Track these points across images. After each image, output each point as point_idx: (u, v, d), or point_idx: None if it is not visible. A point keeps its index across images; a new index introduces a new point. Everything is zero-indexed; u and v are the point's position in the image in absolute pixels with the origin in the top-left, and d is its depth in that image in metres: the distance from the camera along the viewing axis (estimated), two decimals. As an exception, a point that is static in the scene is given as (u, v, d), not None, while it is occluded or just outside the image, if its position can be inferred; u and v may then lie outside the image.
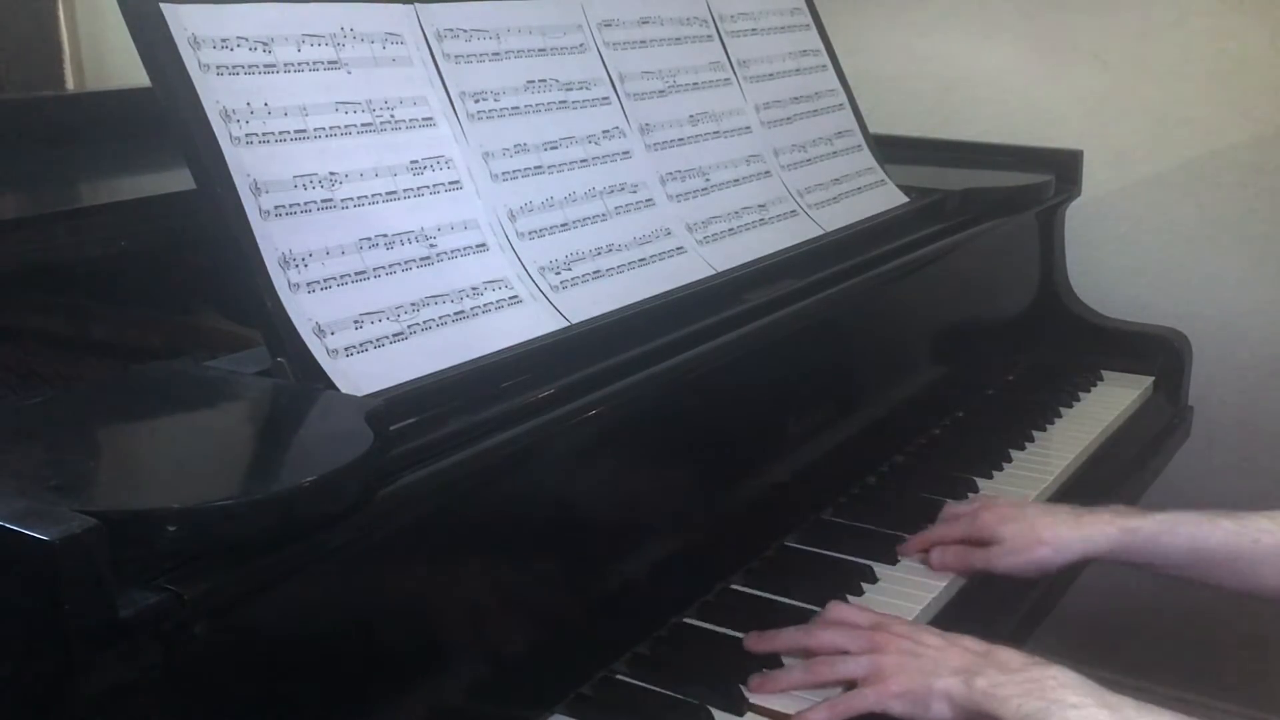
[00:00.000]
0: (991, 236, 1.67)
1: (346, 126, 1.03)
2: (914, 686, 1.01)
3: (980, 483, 1.46)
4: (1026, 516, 1.25)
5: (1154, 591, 1.88)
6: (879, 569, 1.26)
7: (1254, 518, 1.19)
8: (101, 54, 2.64)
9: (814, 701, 1.04)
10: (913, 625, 1.12)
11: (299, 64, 1.02)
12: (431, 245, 1.05)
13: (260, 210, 0.94)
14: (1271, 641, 1.98)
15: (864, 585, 1.23)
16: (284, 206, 0.96)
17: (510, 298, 1.09)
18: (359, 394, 0.92)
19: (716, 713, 1.03)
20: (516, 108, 1.20)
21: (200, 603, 0.72)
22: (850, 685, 1.05)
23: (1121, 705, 0.92)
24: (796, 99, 1.59)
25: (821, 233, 1.48)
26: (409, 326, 1.00)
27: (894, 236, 1.52)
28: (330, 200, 0.99)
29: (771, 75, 1.57)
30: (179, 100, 0.93)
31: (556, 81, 1.25)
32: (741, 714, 1.03)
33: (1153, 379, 1.84)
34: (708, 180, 1.38)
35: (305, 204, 0.97)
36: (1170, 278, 2.02)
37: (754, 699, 1.05)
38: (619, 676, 1.07)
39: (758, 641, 1.11)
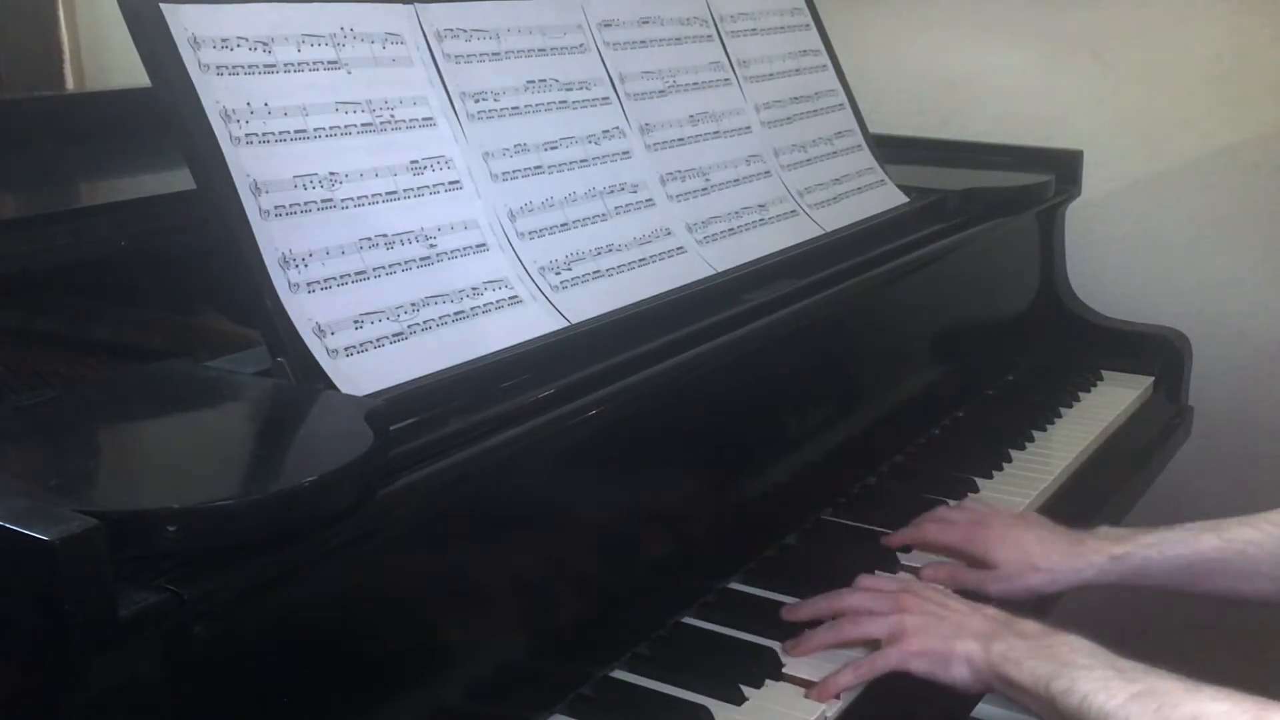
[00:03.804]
0: (991, 236, 1.67)
1: (346, 126, 1.03)
2: (935, 647, 1.05)
3: (980, 483, 1.46)
4: (1022, 543, 1.25)
5: (1151, 599, 1.88)
6: (879, 569, 1.26)
7: (1237, 527, 1.20)
8: (101, 54, 2.64)
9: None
10: (938, 589, 1.15)
11: (299, 64, 1.02)
12: (431, 245, 1.05)
13: (260, 210, 0.94)
14: (1269, 643, 1.97)
15: (864, 585, 1.23)
16: (284, 206, 0.96)
17: (510, 298, 1.09)
18: (359, 394, 0.92)
19: (715, 706, 1.03)
20: (516, 108, 1.20)
21: (200, 603, 0.72)
22: (875, 647, 1.08)
23: (1130, 668, 0.94)
24: (796, 99, 1.59)
25: (821, 233, 1.48)
26: (409, 326, 1.00)
27: (894, 236, 1.52)
28: (330, 200, 0.99)
29: (771, 75, 1.57)
30: (179, 100, 0.93)
31: (556, 81, 1.25)
32: (741, 703, 1.04)
33: (1153, 379, 1.84)
34: (708, 180, 1.38)
35: (305, 204, 0.97)
36: (1170, 278, 2.02)
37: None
38: (619, 676, 1.08)
39: (791, 612, 1.15)
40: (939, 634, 1.06)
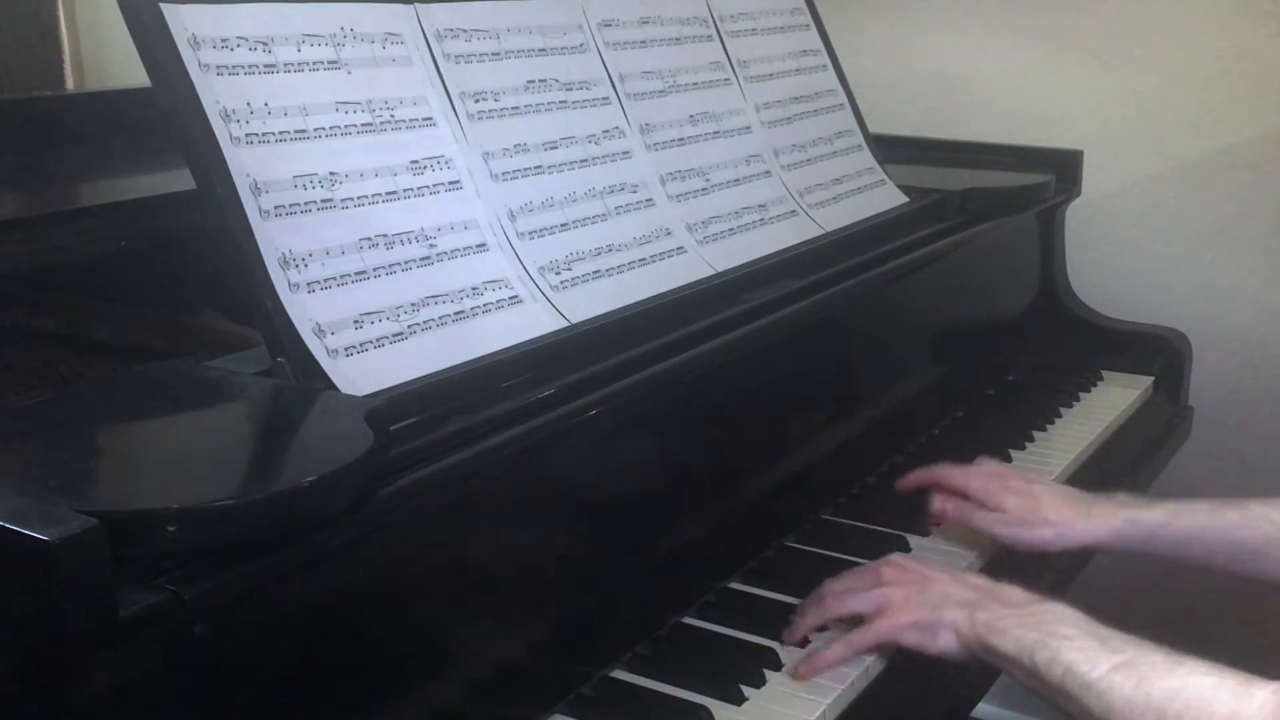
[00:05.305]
0: (991, 236, 1.67)
1: (346, 126, 1.03)
2: (922, 617, 1.05)
3: (980, 483, 1.46)
4: (1034, 494, 1.26)
5: (1150, 584, 1.88)
6: (879, 568, 1.26)
7: (1257, 506, 1.21)
8: (101, 54, 2.64)
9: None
10: (919, 560, 1.15)
11: (299, 64, 1.02)
12: (431, 245, 1.05)
13: (260, 210, 0.94)
14: (1268, 625, 1.97)
15: (864, 585, 1.23)
16: (284, 206, 0.96)
17: (510, 298, 1.09)
18: (359, 394, 0.92)
19: (715, 706, 1.03)
20: (516, 108, 1.20)
21: (200, 603, 0.72)
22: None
23: (1111, 637, 0.95)
24: (796, 99, 1.59)
25: (821, 233, 1.48)
26: (409, 326, 1.00)
27: (894, 236, 1.52)
28: (330, 200, 0.99)
29: (771, 75, 1.57)
30: (179, 100, 0.93)
31: (556, 81, 1.25)
32: (741, 703, 1.04)
33: (1153, 379, 1.84)
34: (708, 180, 1.38)
35: (305, 204, 0.97)
36: (1170, 278, 2.02)
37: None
38: (619, 676, 1.08)
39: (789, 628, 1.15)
40: (924, 605, 1.06)
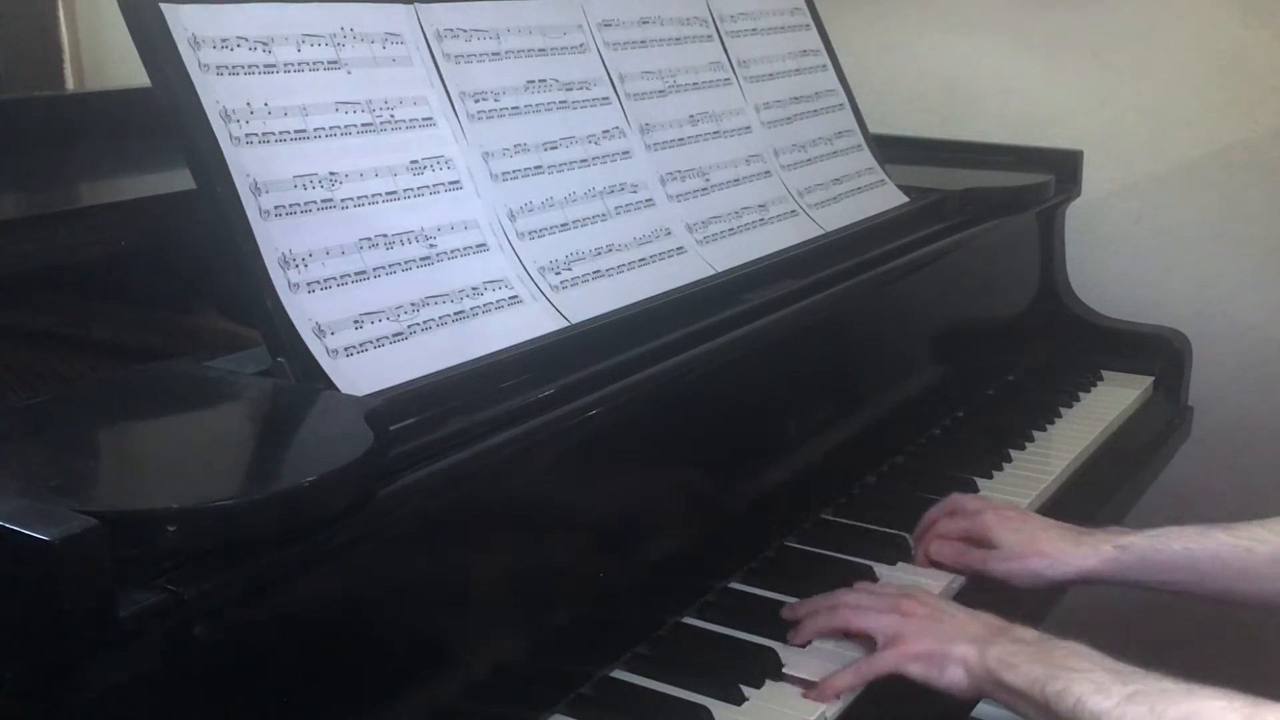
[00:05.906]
0: (991, 236, 1.67)
1: (346, 126, 1.03)
2: (931, 649, 1.05)
3: (980, 483, 1.46)
4: (1028, 526, 1.27)
5: (1144, 608, 1.88)
6: (879, 569, 1.26)
7: (1247, 527, 1.20)
8: (101, 54, 2.64)
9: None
10: (936, 596, 1.16)
11: (299, 64, 1.02)
12: (431, 245, 1.05)
13: (260, 210, 0.94)
14: (1267, 646, 1.97)
15: (864, 585, 1.23)
16: (284, 206, 0.96)
17: (510, 298, 1.09)
18: (359, 394, 0.92)
19: (715, 706, 1.03)
20: (516, 108, 1.20)
21: (200, 603, 0.72)
22: (871, 649, 1.09)
23: (1126, 671, 0.95)
24: (796, 99, 1.59)
25: (821, 233, 1.48)
26: (409, 326, 1.00)
27: (894, 236, 1.52)
28: (330, 200, 0.99)
29: (771, 75, 1.57)
30: (179, 100, 0.93)
31: (556, 81, 1.25)
32: (741, 703, 1.04)
33: (1153, 379, 1.84)
34: (708, 180, 1.38)
35: (305, 204, 0.97)
36: (1170, 278, 2.02)
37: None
38: (619, 676, 1.08)
39: (790, 611, 1.15)
40: (936, 637, 1.06)
